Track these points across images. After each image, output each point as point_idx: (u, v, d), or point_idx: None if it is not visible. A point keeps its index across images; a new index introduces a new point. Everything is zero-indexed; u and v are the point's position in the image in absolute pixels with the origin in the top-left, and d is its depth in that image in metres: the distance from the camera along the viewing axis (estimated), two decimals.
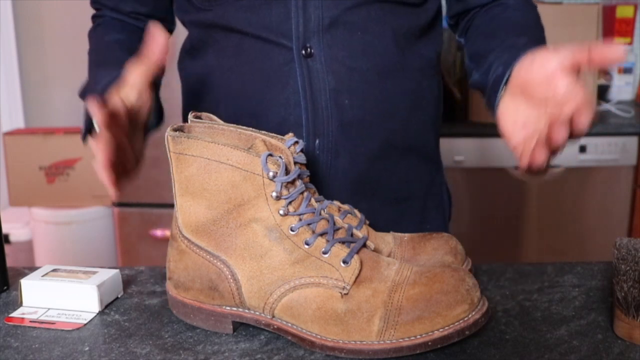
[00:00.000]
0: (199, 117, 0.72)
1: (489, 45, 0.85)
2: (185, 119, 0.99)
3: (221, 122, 0.72)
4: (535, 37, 0.84)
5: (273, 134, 0.70)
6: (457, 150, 2.16)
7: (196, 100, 0.96)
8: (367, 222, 0.76)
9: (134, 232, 2.28)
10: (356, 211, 0.75)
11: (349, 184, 0.89)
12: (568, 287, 0.77)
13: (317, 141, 0.86)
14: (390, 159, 0.92)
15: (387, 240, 0.75)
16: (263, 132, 0.71)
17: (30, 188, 2.37)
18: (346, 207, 0.74)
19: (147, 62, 0.73)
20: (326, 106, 0.86)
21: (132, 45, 0.91)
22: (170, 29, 1.01)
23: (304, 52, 0.85)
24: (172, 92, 1.01)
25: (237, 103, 0.89)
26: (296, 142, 0.68)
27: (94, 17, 0.99)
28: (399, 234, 0.77)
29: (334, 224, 0.66)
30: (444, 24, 1.01)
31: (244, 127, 0.70)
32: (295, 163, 0.68)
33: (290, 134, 0.70)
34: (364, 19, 0.86)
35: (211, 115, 0.73)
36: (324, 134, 0.87)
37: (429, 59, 0.94)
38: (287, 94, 0.86)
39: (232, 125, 0.70)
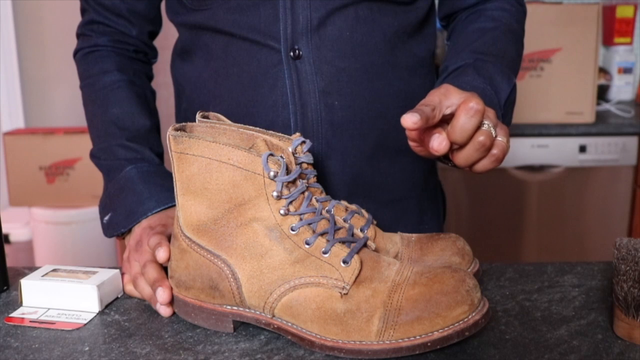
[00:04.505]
0: (207, 117, 0.72)
1: (449, 65, 0.86)
2: (178, 121, 1.00)
3: (228, 121, 0.72)
4: (482, 60, 0.85)
5: (280, 134, 0.71)
6: None
7: (187, 102, 0.96)
8: (375, 222, 0.75)
9: None
10: (364, 211, 0.75)
11: (342, 185, 0.89)
12: (568, 287, 0.77)
13: None
14: (383, 159, 0.91)
15: (394, 240, 0.75)
16: (270, 132, 0.71)
17: (30, 188, 2.37)
18: (353, 207, 0.74)
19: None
20: (315, 108, 0.86)
21: (135, 86, 0.93)
22: (157, 30, 1.00)
23: (292, 54, 0.85)
24: (171, 92, 1.01)
25: (226, 106, 0.89)
26: (303, 142, 0.68)
27: (80, 37, 0.97)
28: (407, 234, 0.77)
29: (335, 223, 0.66)
30: (438, 25, 1.01)
31: (247, 127, 0.70)
32: (301, 163, 0.68)
33: (298, 134, 0.70)
34: (353, 18, 0.86)
35: (219, 115, 0.73)
36: (314, 136, 0.86)
37: (421, 57, 0.94)
38: (275, 96, 0.86)
39: (235, 124, 0.70)
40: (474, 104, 0.64)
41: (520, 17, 0.95)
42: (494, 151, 0.67)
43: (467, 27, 0.92)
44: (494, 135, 0.66)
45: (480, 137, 0.65)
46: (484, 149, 0.66)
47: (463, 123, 0.64)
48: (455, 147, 0.67)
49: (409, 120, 0.62)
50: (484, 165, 0.68)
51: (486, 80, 0.81)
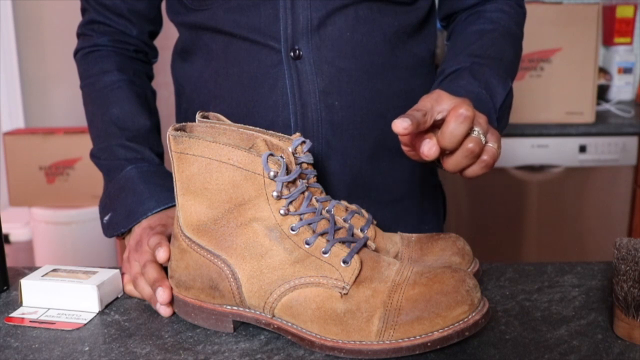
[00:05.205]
0: (207, 117, 0.72)
1: (446, 68, 0.87)
2: (178, 120, 1.00)
3: (228, 121, 0.72)
4: (479, 63, 0.85)
5: (280, 134, 0.71)
6: None
7: (187, 102, 0.96)
8: (375, 222, 0.76)
9: None
10: (363, 211, 0.75)
11: (342, 185, 0.89)
12: (568, 287, 0.77)
13: None
14: (383, 160, 0.91)
15: (394, 240, 0.75)
16: (270, 132, 0.71)
17: (30, 188, 2.37)
18: (353, 207, 0.74)
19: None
20: (316, 108, 0.86)
21: (135, 86, 0.93)
22: (157, 30, 1.00)
23: (292, 54, 0.85)
24: (171, 92, 1.01)
25: (226, 106, 0.89)
26: (303, 142, 0.68)
27: (81, 37, 0.97)
28: (407, 234, 0.77)
29: (335, 223, 0.66)
30: (439, 25, 1.01)
31: (247, 127, 0.70)
32: (301, 163, 0.68)
33: (298, 134, 0.70)
34: (353, 18, 0.86)
35: (218, 115, 0.73)
36: (314, 136, 0.86)
37: (421, 57, 0.94)
38: (276, 96, 0.86)
39: (234, 124, 0.70)
40: (464, 110, 0.64)
41: (520, 19, 0.95)
42: (484, 157, 0.68)
43: (466, 28, 0.92)
44: (483, 142, 0.67)
45: (470, 144, 0.66)
46: (472, 156, 0.66)
47: (452, 129, 0.64)
48: (446, 152, 0.67)
49: (400, 125, 0.63)
50: (473, 170, 0.69)
51: (482, 84, 0.81)
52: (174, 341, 0.67)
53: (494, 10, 0.92)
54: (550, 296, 0.75)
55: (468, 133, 0.65)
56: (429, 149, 0.65)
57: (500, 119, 0.83)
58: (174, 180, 0.68)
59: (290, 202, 0.65)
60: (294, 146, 0.68)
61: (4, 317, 0.73)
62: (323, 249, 0.63)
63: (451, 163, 0.68)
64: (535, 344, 0.64)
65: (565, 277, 0.80)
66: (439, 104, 0.67)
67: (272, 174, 0.63)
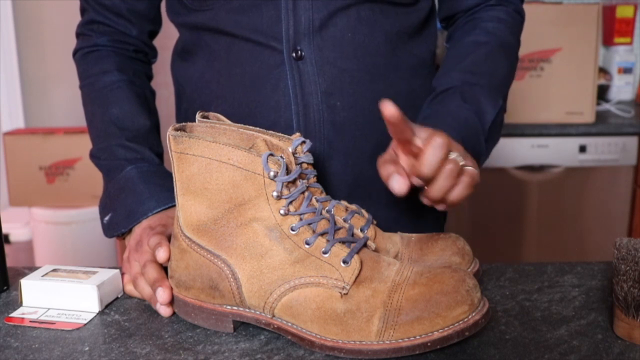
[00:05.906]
0: (207, 117, 0.72)
1: (437, 86, 0.89)
2: (178, 120, 1.00)
3: (228, 121, 0.72)
4: (470, 83, 0.87)
5: (280, 134, 0.71)
6: None
7: (187, 102, 0.96)
8: (375, 222, 0.76)
9: None
10: (363, 211, 0.75)
11: (343, 185, 0.89)
12: (568, 287, 0.77)
13: None
14: None
15: (394, 240, 0.75)
16: (270, 132, 0.71)
17: (30, 188, 2.37)
18: (353, 207, 0.74)
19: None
20: (317, 108, 0.86)
21: (135, 86, 0.93)
22: (157, 30, 1.00)
23: (294, 54, 0.85)
24: (171, 92, 1.01)
25: (228, 106, 0.89)
26: (303, 142, 0.68)
27: (80, 37, 0.97)
28: (407, 234, 0.77)
29: (335, 223, 0.66)
30: (439, 25, 1.01)
31: (247, 127, 0.70)
32: (301, 163, 0.68)
33: (297, 134, 0.70)
34: (355, 19, 0.86)
35: (218, 115, 0.73)
36: (316, 137, 0.87)
37: (422, 58, 0.94)
38: (278, 97, 0.86)
39: (235, 124, 0.70)
40: (439, 137, 0.68)
41: (517, 28, 0.95)
42: (464, 177, 0.70)
43: (462, 39, 0.92)
44: (460, 164, 0.70)
45: (448, 166, 0.68)
46: (452, 176, 0.69)
47: (429, 155, 0.68)
48: (426, 184, 0.71)
49: (388, 109, 0.67)
50: (457, 192, 0.71)
51: (472, 107, 0.83)
52: (174, 341, 0.67)
53: (490, 20, 0.92)
54: (550, 296, 0.75)
55: (445, 159, 0.68)
56: (399, 186, 0.69)
57: (490, 138, 0.86)
58: (174, 180, 0.68)
59: (290, 202, 0.65)
60: (294, 146, 0.68)
61: (4, 317, 0.73)
62: (323, 249, 0.63)
63: (434, 189, 0.70)
64: (535, 344, 0.64)
65: (565, 277, 0.80)
66: (418, 131, 0.71)
67: (272, 174, 0.63)
